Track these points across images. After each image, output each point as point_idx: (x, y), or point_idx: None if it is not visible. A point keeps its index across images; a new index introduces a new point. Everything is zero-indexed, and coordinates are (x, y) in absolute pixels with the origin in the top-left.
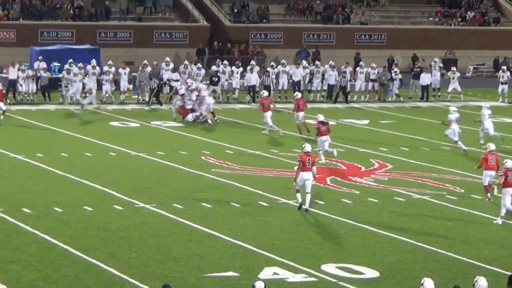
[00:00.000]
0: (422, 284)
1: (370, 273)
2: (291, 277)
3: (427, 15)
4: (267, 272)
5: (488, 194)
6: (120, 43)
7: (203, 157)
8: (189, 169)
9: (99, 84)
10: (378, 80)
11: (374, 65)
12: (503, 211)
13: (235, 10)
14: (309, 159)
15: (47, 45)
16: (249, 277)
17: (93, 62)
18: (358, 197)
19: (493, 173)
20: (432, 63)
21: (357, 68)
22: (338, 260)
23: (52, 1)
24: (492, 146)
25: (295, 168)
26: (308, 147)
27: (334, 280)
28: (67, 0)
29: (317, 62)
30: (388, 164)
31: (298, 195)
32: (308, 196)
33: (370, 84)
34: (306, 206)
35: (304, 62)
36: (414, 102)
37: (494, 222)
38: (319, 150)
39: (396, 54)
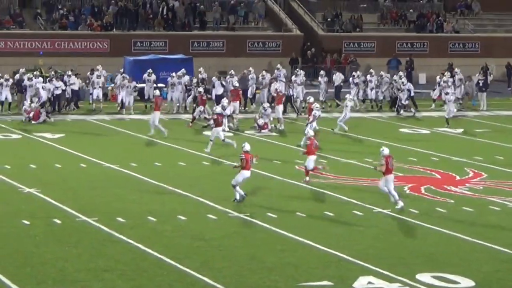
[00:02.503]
0: None
1: (466, 282)
2: (386, 286)
3: None
4: (362, 281)
5: (307, 178)
6: (213, 52)
7: (296, 166)
8: (283, 178)
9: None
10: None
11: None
12: (396, 196)
13: (328, 19)
14: (251, 157)
15: (140, 55)
16: (343, 286)
17: (183, 71)
18: (453, 206)
19: (313, 157)
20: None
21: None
22: (433, 269)
23: (145, 11)
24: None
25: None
26: (247, 146)
27: None
28: (161, 10)
29: (381, 73)
30: (483, 173)
31: (238, 189)
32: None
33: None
34: (242, 192)
35: (357, 73)
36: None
37: (397, 207)
38: (211, 140)
39: (490, 62)
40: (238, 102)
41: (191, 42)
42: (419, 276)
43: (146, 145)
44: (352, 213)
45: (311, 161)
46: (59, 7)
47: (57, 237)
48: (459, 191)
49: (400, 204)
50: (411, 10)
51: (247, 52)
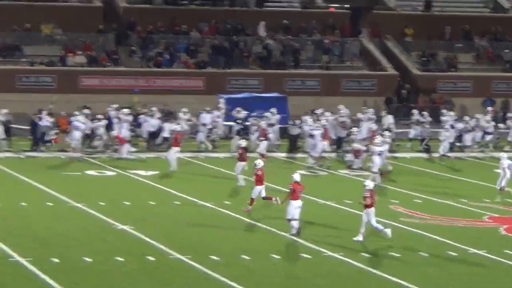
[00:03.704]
0: None
1: None
2: None
3: None
4: None
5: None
6: (308, 91)
7: (391, 206)
8: (377, 218)
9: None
10: None
11: None
12: (376, 227)
13: (424, 59)
14: (299, 188)
15: (234, 93)
16: None
17: (273, 110)
18: None
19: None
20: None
21: None
22: None
23: (240, 49)
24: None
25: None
26: (297, 176)
27: None
28: (256, 48)
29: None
30: None
31: (293, 223)
32: (297, 222)
33: None
34: (297, 228)
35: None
36: None
37: (354, 239)
38: (238, 174)
39: None
40: (327, 141)
41: (285, 80)
42: None
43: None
44: (447, 253)
45: (257, 190)
46: (154, 45)
47: (151, 275)
48: None
49: (360, 239)
50: (506, 50)
51: (341, 91)
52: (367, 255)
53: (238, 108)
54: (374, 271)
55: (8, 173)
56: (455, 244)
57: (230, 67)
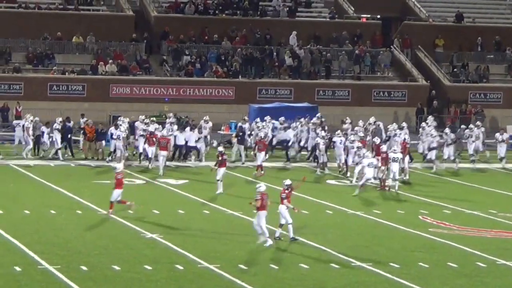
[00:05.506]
0: None
1: None
2: None
3: None
4: None
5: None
6: (338, 101)
7: (420, 217)
8: (406, 228)
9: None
10: None
11: None
12: (264, 232)
13: (455, 70)
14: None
15: (265, 103)
16: None
17: (307, 118)
18: None
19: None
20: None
21: None
22: None
23: (271, 59)
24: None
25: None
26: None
27: None
28: (287, 58)
29: (470, 125)
30: None
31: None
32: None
33: None
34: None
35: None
36: None
37: (265, 245)
38: (218, 180)
39: None
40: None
41: (316, 90)
42: None
43: (268, 192)
44: (476, 264)
45: (116, 194)
46: (187, 53)
47: (179, 283)
48: None
49: (269, 242)
50: None
51: (372, 101)
52: (396, 265)
53: (257, 119)
54: (403, 281)
55: (38, 181)
56: (484, 255)
57: (260, 76)
